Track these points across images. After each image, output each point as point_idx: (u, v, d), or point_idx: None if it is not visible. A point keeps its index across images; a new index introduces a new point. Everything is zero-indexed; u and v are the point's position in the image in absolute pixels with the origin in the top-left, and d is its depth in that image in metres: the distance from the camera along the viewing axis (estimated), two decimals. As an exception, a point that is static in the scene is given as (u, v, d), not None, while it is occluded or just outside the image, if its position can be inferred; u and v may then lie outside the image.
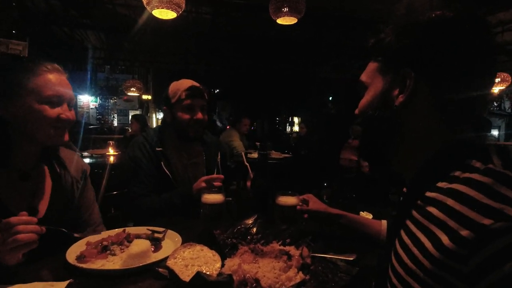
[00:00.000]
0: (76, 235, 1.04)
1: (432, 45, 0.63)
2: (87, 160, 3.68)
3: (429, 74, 0.64)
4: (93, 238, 1.09)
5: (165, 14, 3.19)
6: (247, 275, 0.84)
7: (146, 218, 1.52)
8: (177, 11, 3.16)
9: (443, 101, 0.64)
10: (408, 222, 0.64)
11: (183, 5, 3.12)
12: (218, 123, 11.68)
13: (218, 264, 0.88)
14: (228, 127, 6.05)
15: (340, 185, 4.06)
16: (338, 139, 4.63)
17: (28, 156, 1.07)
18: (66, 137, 1.08)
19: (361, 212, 1.56)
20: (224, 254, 0.98)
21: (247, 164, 1.61)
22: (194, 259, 0.89)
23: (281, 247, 1.03)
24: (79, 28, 5.00)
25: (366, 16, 4.48)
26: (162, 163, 1.63)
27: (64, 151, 1.21)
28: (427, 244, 0.55)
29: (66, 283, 0.81)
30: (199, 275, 0.76)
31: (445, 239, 0.52)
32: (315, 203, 1.28)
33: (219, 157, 1.86)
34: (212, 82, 7.80)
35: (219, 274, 0.85)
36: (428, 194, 0.61)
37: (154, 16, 3.14)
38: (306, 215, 1.27)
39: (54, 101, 1.02)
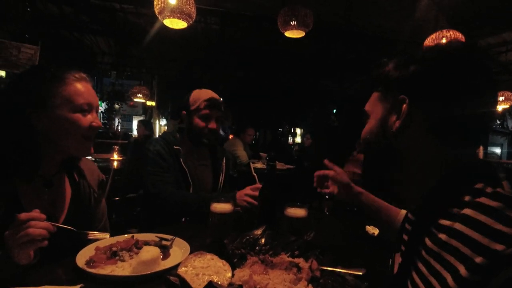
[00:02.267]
0: (92, 236, 1.04)
1: (426, 76, 0.69)
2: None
3: (423, 100, 0.69)
4: (102, 243, 1.09)
5: (176, 24, 3.25)
6: (258, 286, 0.84)
7: (169, 207, 1.60)
8: (188, 21, 3.22)
9: (437, 125, 0.68)
10: (423, 251, 0.64)
11: (194, 16, 3.18)
12: (221, 132, 11.74)
13: (229, 274, 0.88)
14: (230, 136, 6.07)
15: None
16: (341, 152, 4.64)
17: (52, 164, 1.07)
18: (92, 150, 1.09)
19: (367, 227, 1.56)
20: (233, 264, 0.98)
21: (255, 174, 1.63)
22: (205, 268, 0.89)
23: (291, 259, 1.02)
24: (89, 33, 5.09)
25: (372, 31, 4.55)
26: (181, 159, 1.74)
27: (82, 160, 1.21)
28: (445, 275, 0.56)
29: (77, 287, 0.81)
30: (211, 285, 0.76)
31: (462, 269, 0.52)
32: (340, 174, 1.28)
33: (224, 161, 1.93)
34: (215, 90, 7.84)
35: (230, 284, 0.85)
36: (442, 221, 0.62)
37: (164, 25, 3.20)
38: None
39: (85, 109, 1.03)
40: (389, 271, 1.08)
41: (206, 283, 0.81)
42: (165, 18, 3.16)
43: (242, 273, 0.90)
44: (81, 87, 1.04)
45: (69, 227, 0.96)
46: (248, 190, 1.54)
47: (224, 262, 0.94)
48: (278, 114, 9.49)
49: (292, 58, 5.54)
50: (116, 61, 6.14)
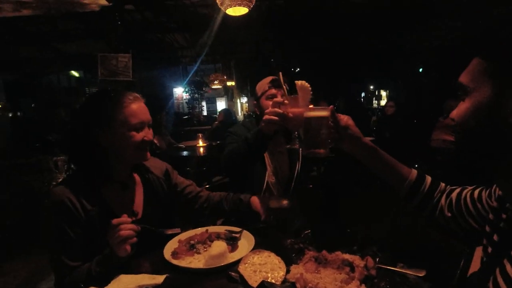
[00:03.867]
0: (168, 231, 1.25)
1: None
2: (184, 152, 4.20)
3: None
4: (183, 236, 1.31)
5: (238, 11, 3.35)
6: (309, 284, 0.91)
7: (228, 163, 1.67)
8: (248, 6, 3.28)
9: None
10: None
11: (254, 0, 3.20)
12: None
13: (283, 272, 0.97)
14: (310, 106, 5.96)
15: (431, 169, 3.65)
16: (430, 115, 4.11)
17: (124, 170, 1.32)
18: (148, 155, 1.30)
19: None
20: (291, 259, 1.07)
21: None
22: (262, 265, 1.00)
23: (345, 256, 1.05)
24: (168, 32, 5.61)
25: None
26: None
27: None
28: None
29: (164, 277, 1.02)
30: (263, 284, 0.86)
31: None
32: (349, 120, 1.08)
33: (300, 150, 1.96)
34: (290, 64, 7.74)
35: (284, 281, 0.95)
36: None
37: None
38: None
39: (139, 127, 1.23)
40: (460, 271, 1.01)
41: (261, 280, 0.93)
42: (227, 8, 3.29)
43: (296, 270, 0.98)
44: (135, 108, 1.22)
45: (150, 226, 1.18)
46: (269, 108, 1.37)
47: (280, 259, 1.03)
48: (359, 79, 8.81)
49: (365, 17, 5.00)
50: (194, 52, 6.64)
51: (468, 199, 0.94)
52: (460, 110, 0.69)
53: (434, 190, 1.03)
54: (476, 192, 0.93)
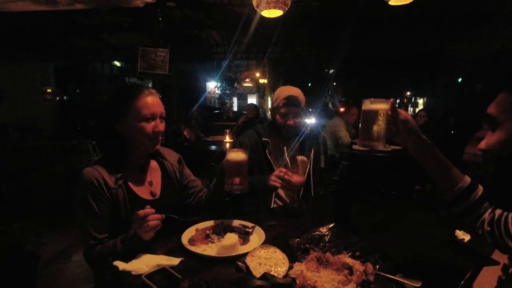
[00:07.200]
0: (187, 219, 1.38)
1: None
2: (212, 147, 4.39)
3: None
4: (201, 226, 1.43)
5: (273, 13, 3.44)
6: (307, 282, 0.99)
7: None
8: (283, 9, 3.35)
9: None
10: None
11: (289, 2, 3.26)
12: (330, 106, 11.46)
13: (285, 268, 1.05)
14: (342, 109, 5.89)
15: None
16: (468, 128, 3.92)
17: (141, 156, 1.47)
18: (158, 146, 1.44)
19: (457, 231, 1.43)
20: (295, 257, 1.15)
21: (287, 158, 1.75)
22: (267, 259, 1.09)
23: (347, 260, 1.10)
24: (205, 29, 5.81)
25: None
26: (266, 150, 1.97)
27: (161, 149, 1.57)
28: None
29: (179, 260, 1.15)
30: (265, 275, 0.96)
31: None
32: (408, 114, 1.05)
33: (312, 154, 2.03)
34: (323, 64, 7.67)
35: (285, 275, 1.03)
36: None
37: (265, 13, 3.43)
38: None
39: (149, 118, 1.36)
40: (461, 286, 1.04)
41: (264, 272, 1.02)
42: (262, 10, 3.39)
43: (298, 268, 1.06)
44: (147, 100, 1.36)
45: (172, 216, 1.30)
46: (277, 172, 1.68)
47: (285, 256, 1.11)
48: (391, 85, 8.53)
49: (403, 23, 4.85)
50: (228, 49, 6.82)
51: (509, 219, 0.93)
52: (490, 140, 0.73)
53: (484, 201, 1.00)
54: None
